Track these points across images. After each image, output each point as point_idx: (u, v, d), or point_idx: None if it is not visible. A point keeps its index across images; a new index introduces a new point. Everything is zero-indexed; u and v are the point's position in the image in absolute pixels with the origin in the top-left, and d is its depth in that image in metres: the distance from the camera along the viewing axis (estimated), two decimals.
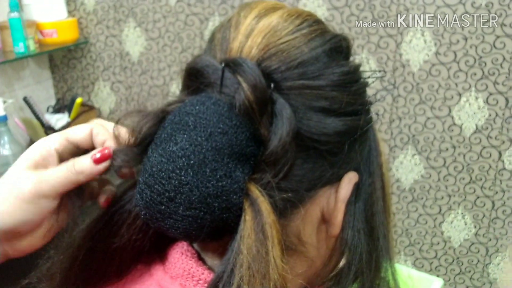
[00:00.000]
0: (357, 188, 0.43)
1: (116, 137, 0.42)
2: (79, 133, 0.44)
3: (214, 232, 0.37)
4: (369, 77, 0.44)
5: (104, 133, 0.43)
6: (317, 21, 0.42)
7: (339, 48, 0.42)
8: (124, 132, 0.42)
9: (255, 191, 0.37)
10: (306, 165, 0.39)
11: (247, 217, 0.36)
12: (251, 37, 0.39)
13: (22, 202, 0.40)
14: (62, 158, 0.43)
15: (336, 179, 0.42)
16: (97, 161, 0.42)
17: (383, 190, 0.45)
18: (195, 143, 0.36)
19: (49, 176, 0.41)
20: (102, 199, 0.44)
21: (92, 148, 0.44)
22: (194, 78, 0.40)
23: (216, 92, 0.38)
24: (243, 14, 0.41)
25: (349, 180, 0.42)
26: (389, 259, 0.45)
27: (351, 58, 0.45)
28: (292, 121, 0.37)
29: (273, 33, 0.39)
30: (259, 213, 0.36)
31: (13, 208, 0.40)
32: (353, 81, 0.41)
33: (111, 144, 0.43)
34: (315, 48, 0.39)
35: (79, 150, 0.44)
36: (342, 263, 0.44)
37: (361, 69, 0.43)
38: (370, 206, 0.43)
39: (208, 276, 0.40)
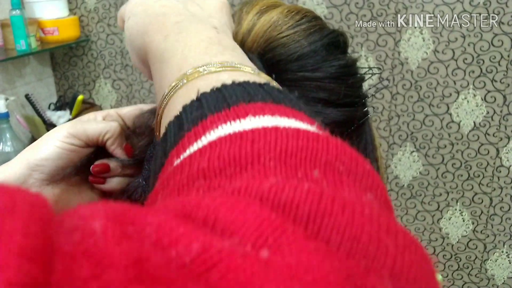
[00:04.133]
0: None
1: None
2: (129, 109, 0.47)
3: None
4: (366, 73, 0.46)
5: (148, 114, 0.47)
6: (316, 17, 0.44)
7: (337, 42, 0.43)
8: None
9: None
10: None
11: None
12: (253, 31, 0.41)
13: (57, 139, 0.43)
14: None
15: None
16: (127, 151, 0.46)
17: None
18: None
19: (83, 121, 0.45)
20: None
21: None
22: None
23: None
24: (245, 10, 0.44)
25: None
26: None
27: (349, 53, 0.47)
28: None
29: (274, 28, 0.41)
30: None
31: (48, 145, 0.43)
32: (350, 74, 0.43)
33: None
34: (314, 42, 0.41)
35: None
36: None
37: (358, 64, 0.45)
38: None
39: None
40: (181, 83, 0.31)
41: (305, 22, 0.42)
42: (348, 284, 0.17)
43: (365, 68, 0.47)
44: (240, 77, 0.29)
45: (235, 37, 0.42)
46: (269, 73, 0.39)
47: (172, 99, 0.31)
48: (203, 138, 0.25)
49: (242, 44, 0.42)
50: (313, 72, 0.41)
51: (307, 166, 0.22)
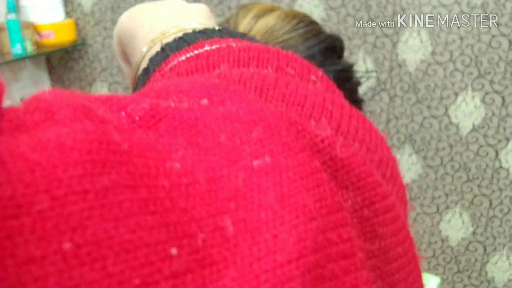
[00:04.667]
0: None
1: None
2: None
3: None
4: (361, 77, 0.45)
5: None
6: (312, 22, 0.44)
7: (334, 47, 0.43)
8: None
9: None
10: None
11: None
12: (250, 34, 0.41)
13: None
14: None
15: None
16: None
17: None
18: None
19: None
20: None
21: None
22: None
23: None
24: (242, 14, 0.43)
25: None
26: None
27: (345, 57, 0.46)
28: None
29: (271, 32, 0.41)
30: None
31: None
32: (346, 79, 0.43)
33: None
34: (311, 47, 0.41)
35: None
36: None
37: (354, 68, 0.45)
38: None
39: None
40: (147, 48, 0.32)
41: (302, 27, 0.42)
42: (292, 128, 0.19)
43: (361, 72, 0.47)
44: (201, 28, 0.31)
45: None
46: None
47: (141, 65, 0.33)
48: (165, 69, 0.27)
49: None
50: None
51: (260, 66, 0.24)
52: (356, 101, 0.44)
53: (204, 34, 0.29)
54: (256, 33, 0.41)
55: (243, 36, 0.30)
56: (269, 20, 0.41)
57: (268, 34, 0.41)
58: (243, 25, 0.42)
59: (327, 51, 0.42)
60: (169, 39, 0.31)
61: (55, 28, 1.82)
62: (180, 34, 0.30)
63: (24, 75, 1.91)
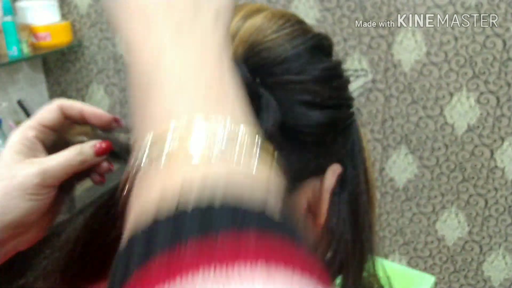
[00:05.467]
0: (341, 179, 0.45)
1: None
2: (47, 114, 0.43)
3: None
4: (351, 75, 0.47)
5: (75, 103, 0.44)
6: (299, 21, 0.44)
7: (321, 46, 0.44)
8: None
9: None
10: (292, 155, 0.42)
11: None
12: (238, 36, 0.42)
13: (25, 193, 0.40)
14: (44, 143, 0.43)
15: (321, 170, 0.44)
16: (99, 153, 0.43)
17: (367, 184, 0.47)
18: None
19: (51, 166, 0.41)
20: (97, 178, 0.45)
21: (67, 124, 0.44)
22: None
23: None
24: None
25: (333, 171, 0.44)
26: (371, 251, 0.46)
27: (334, 55, 0.47)
28: (277, 113, 0.39)
29: (259, 32, 0.42)
30: None
31: (17, 201, 0.40)
32: (334, 77, 0.43)
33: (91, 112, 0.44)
34: (297, 46, 0.42)
35: (56, 132, 0.44)
36: (328, 254, 0.46)
37: (344, 66, 0.45)
38: (355, 197, 0.45)
39: None
40: (156, 154, 0.24)
41: (288, 26, 0.43)
42: None
43: (351, 70, 0.47)
44: (227, 187, 0.21)
45: None
46: (253, 77, 0.40)
47: (140, 179, 0.25)
48: None
49: None
50: (297, 75, 0.41)
51: None
52: (345, 99, 0.45)
53: (230, 221, 0.20)
54: (244, 33, 0.42)
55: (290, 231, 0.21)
56: (257, 20, 0.42)
57: (256, 33, 0.41)
58: (231, 26, 0.42)
59: (314, 49, 0.43)
60: (174, 185, 0.22)
61: (51, 30, 1.82)
62: (187, 201, 0.21)
63: (20, 77, 1.91)
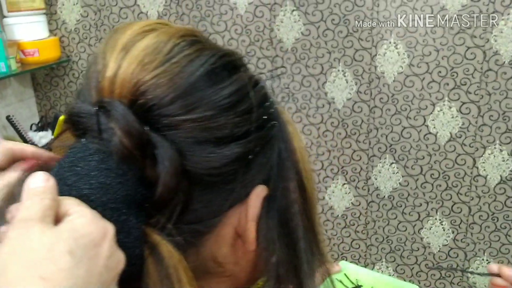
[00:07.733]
0: (267, 200, 0.41)
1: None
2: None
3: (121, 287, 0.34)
4: (262, 87, 0.41)
5: (23, 145, 0.41)
6: (193, 42, 0.38)
7: (220, 67, 0.38)
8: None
9: (154, 236, 0.35)
10: (205, 196, 0.37)
11: (150, 266, 0.34)
12: (120, 73, 0.35)
13: None
14: None
15: (244, 196, 0.40)
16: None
17: (301, 188, 0.42)
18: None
19: None
20: None
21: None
22: (76, 124, 0.37)
23: (96, 139, 0.35)
24: (110, 45, 0.38)
25: (257, 195, 0.40)
26: (313, 263, 0.43)
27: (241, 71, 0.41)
28: (175, 162, 0.34)
29: (142, 67, 0.35)
30: (160, 259, 0.34)
31: None
32: (238, 101, 0.38)
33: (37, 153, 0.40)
34: (191, 75, 0.36)
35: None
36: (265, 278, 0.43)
37: (251, 79, 0.40)
38: (284, 212, 0.41)
39: None
40: None
41: (177, 53, 0.36)
42: None
43: (267, 75, 0.43)
44: None
45: (102, 81, 0.36)
46: (143, 122, 0.34)
47: None
48: None
49: (111, 89, 0.35)
50: (194, 111, 0.35)
51: None
52: (258, 119, 0.39)
53: None
54: (125, 71, 0.35)
55: None
56: (138, 52, 0.36)
57: (139, 69, 0.35)
58: (111, 63, 0.36)
59: (212, 73, 0.37)
60: None
61: (39, 45, 1.84)
62: None
63: (9, 93, 1.92)
